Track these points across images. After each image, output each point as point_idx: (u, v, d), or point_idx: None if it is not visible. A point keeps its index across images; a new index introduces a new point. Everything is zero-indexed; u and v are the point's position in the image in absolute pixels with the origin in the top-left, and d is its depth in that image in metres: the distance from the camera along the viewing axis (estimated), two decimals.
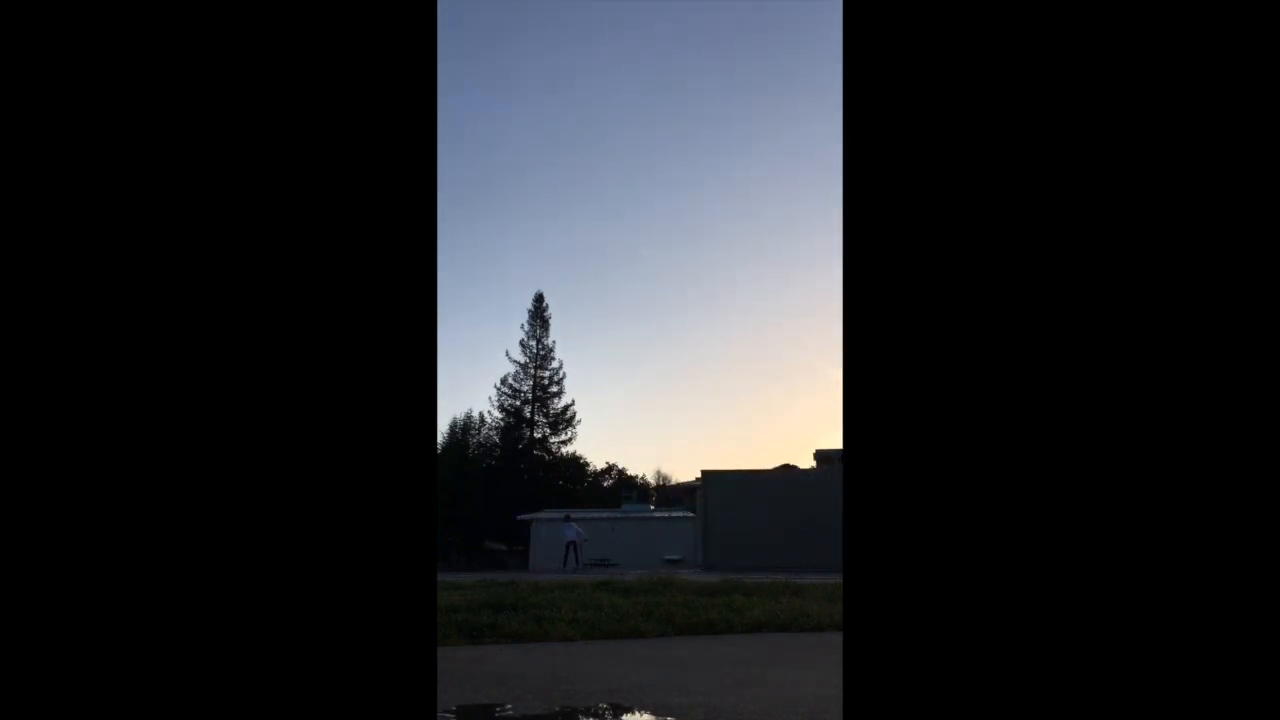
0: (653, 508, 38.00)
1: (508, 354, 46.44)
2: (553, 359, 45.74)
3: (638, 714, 3.16)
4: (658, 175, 62.98)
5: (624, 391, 64.34)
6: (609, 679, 3.94)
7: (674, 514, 31.08)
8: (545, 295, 46.33)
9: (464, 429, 45.62)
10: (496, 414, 45.53)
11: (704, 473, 21.27)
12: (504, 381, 45.44)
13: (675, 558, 25.76)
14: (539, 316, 45.67)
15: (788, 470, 24.48)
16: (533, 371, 45.44)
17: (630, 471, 50.87)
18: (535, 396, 45.29)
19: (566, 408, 45.43)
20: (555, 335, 48.24)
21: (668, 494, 45.47)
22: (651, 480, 51.99)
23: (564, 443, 45.58)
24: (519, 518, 33.75)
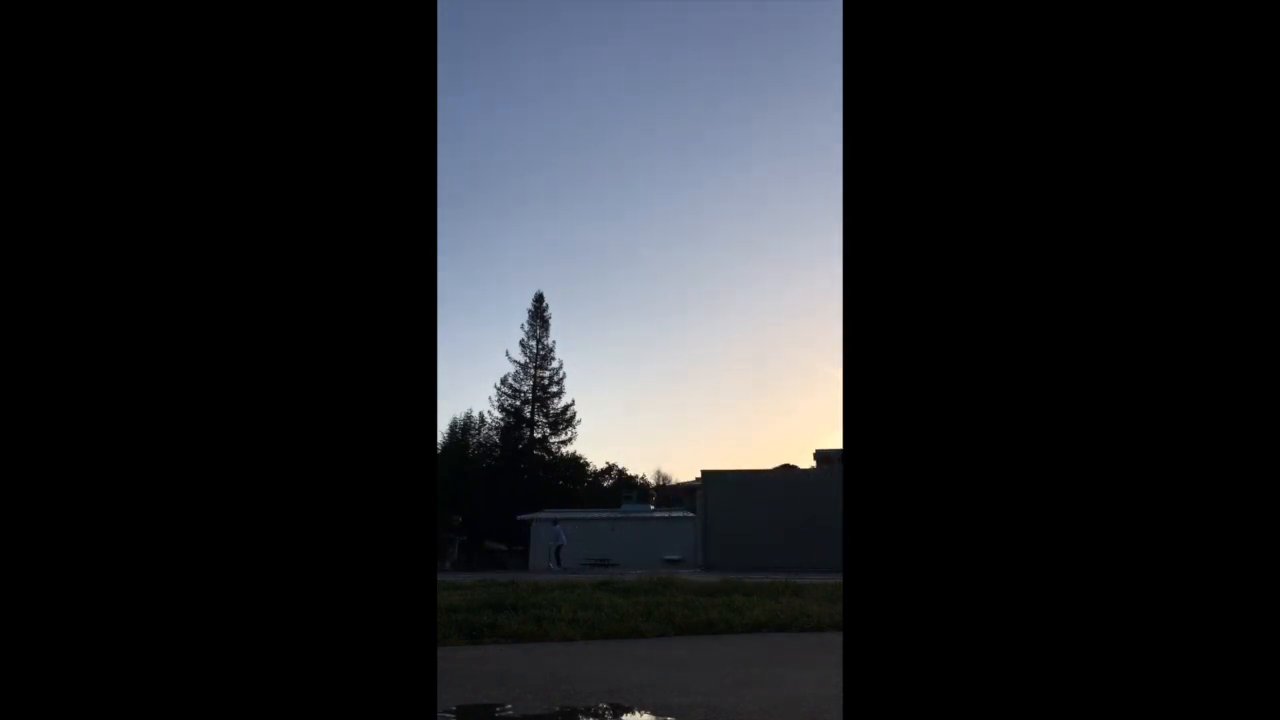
0: (653, 508, 38.01)
1: (508, 354, 46.50)
2: (553, 359, 45.77)
3: (638, 714, 3.16)
4: (658, 175, 63.03)
5: (624, 391, 64.39)
6: (609, 679, 3.94)
7: (674, 514, 31.09)
8: (545, 295, 46.38)
9: (464, 429, 45.65)
10: (496, 414, 45.57)
11: (704, 473, 21.29)
12: (504, 381, 45.48)
13: (675, 558, 25.76)
14: (539, 316, 45.69)
15: (788, 470, 24.49)
16: (533, 371, 45.45)
17: (630, 471, 50.93)
18: (535, 396, 45.30)
19: (566, 408, 45.46)
20: (555, 335, 48.28)
21: (668, 494, 45.48)
22: (651, 480, 52.02)
23: (564, 443, 45.62)
24: (519, 518, 33.76)
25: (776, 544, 18.14)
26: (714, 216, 62.88)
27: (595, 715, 3.17)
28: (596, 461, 50.82)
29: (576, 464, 46.02)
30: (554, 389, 45.52)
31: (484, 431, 45.95)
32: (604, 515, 32.21)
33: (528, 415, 45.16)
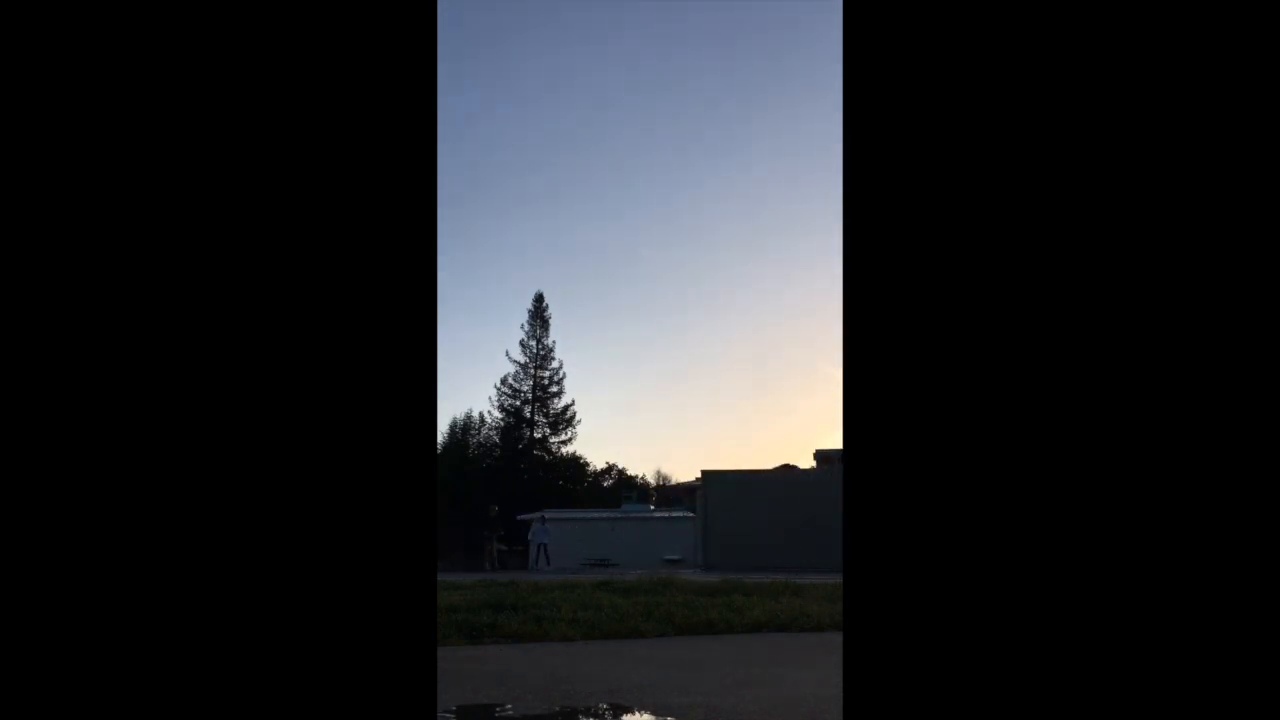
0: (653, 508, 37.98)
1: (508, 354, 46.41)
2: (553, 359, 45.74)
3: (638, 714, 3.16)
4: (658, 175, 62.91)
5: (624, 391, 64.28)
6: (609, 679, 3.94)
7: (674, 514, 31.06)
8: (545, 295, 46.29)
9: (464, 429, 45.62)
10: (496, 414, 45.54)
11: (704, 473, 21.27)
12: (504, 381, 45.43)
13: (675, 558, 25.74)
14: (539, 316, 45.66)
15: (788, 470, 24.47)
16: (533, 371, 45.43)
17: (630, 471, 50.85)
18: (535, 396, 45.28)
19: (566, 408, 45.43)
20: (555, 335, 48.18)
21: (668, 494, 45.44)
22: (651, 480, 51.98)
23: (564, 443, 45.58)
24: (519, 518, 33.73)
25: (776, 544, 18.12)
26: (714, 216, 62.79)
27: (595, 715, 3.17)
28: (596, 461, 50.77)
29: (576, 464, 46.00)
30: (554, 389, 45.51)
31: (484, 431, 45.96)
32: (604, 515, 32.18)
33: (528, 415, 45.15)
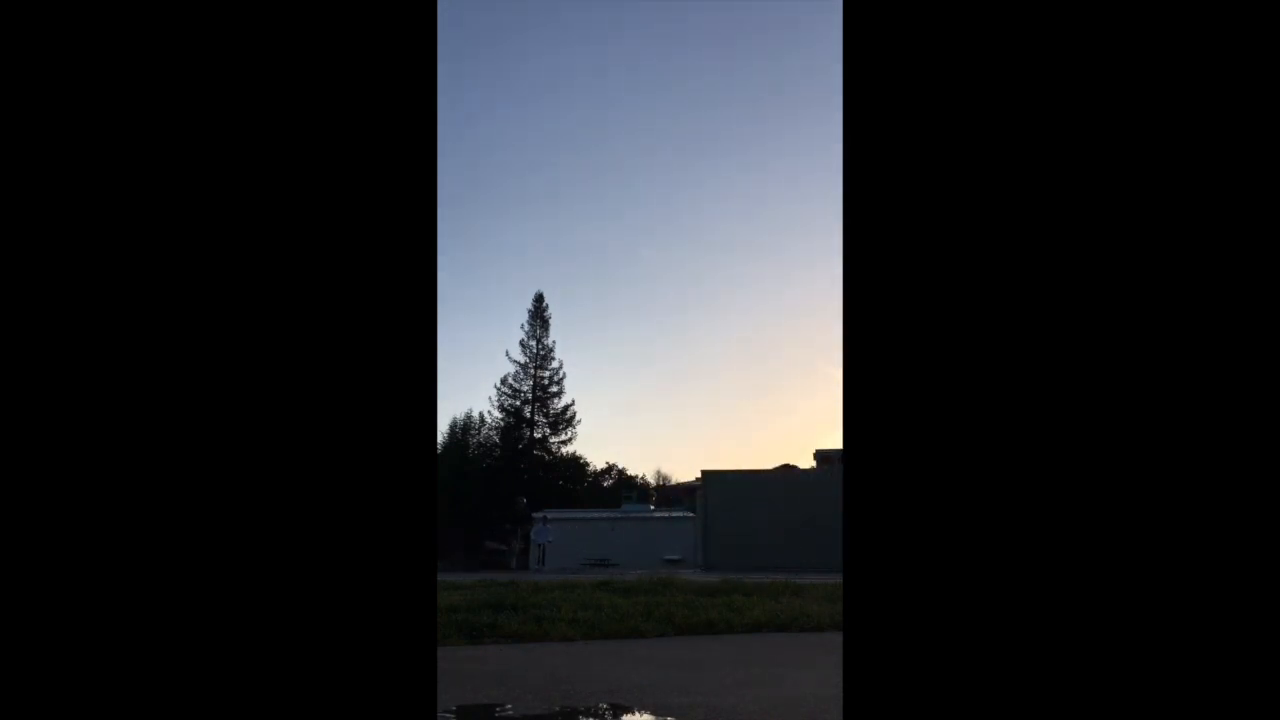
0: (653, 508, 37.98)
1: (508, 354, 46.40)
2: (553, 359, 45.72)
3: (638, 714, 3.16)
4: (658, 175, 62.91)
5: (624, 391, 64.29)
6: (609, 679, 3.94)
7: (674, 514, 31.06)
8: (545, 295, 46.28)
9: (464, 429, 45.60)
10: (496, 414, 45.52)
11: (704, 473, 21.28)
12: (504, 381, 45.41)
13: (675, 558, 25.74)
14: (539, 316, 45.64)
15: (788, 470, 24.48)
16: (533, 371, 45.41)
17: (630, 471, 50.84)
18: (535, 396, 45.26)
19: (566, 408, 45.41)
20: (555, 335, 48.16)
21: (668, 494, 45.44)
22: (651, 480, 51.97)
23: (564, 443, 45.57)
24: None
25: (776, 544, 18.14)
26: (714, 216, 62.78)
27: (595, 715, 3.17)
28: (596, 461, 50.77)
29: (576, 464, 45.99)
30: (554, 389, 45.49)
31: (484, 431, 45.94)
32: (604, 515, 32.17)
33: (528, 415, 45.13)
